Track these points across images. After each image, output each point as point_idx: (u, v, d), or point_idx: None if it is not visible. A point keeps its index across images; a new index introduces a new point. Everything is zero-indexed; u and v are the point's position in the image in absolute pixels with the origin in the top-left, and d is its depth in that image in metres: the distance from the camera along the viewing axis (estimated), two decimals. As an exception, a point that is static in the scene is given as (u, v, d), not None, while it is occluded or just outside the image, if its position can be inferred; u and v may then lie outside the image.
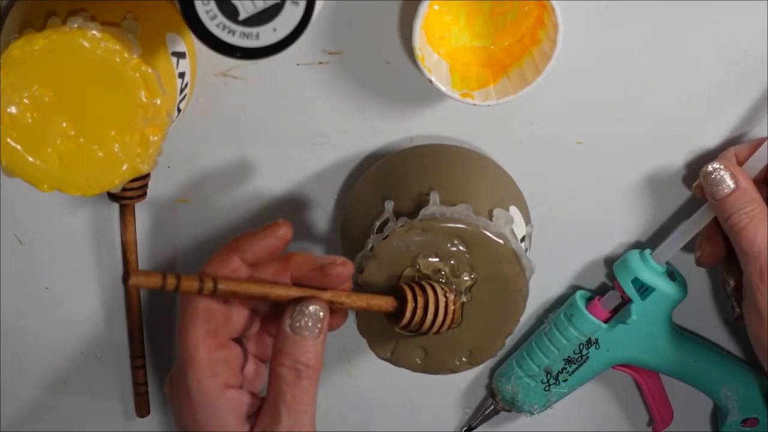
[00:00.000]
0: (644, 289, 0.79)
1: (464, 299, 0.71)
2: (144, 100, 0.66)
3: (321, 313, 0.66)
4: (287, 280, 0.67)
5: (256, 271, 0.67)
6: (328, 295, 0.67)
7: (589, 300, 0.82)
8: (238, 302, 0.68)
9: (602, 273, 0.84)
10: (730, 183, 0.75)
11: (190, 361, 0.66)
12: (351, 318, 0.73)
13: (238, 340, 0.69)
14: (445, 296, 0.70)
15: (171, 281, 0.64)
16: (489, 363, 0.86)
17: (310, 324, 0.66)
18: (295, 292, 0.66)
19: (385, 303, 0.69)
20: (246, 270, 0.67)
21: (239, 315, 0.68)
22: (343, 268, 0.67)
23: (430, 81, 0.72)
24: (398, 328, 0.70)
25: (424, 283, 0.70)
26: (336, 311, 0.68)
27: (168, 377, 0.69)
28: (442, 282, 0.70)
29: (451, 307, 0.70)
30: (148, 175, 0.77)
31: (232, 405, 0.67)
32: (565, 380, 0.83)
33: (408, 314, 0.69)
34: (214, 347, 0.67)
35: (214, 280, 0.65)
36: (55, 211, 0.81)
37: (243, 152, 0.79)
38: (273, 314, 0.69)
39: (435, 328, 0.70)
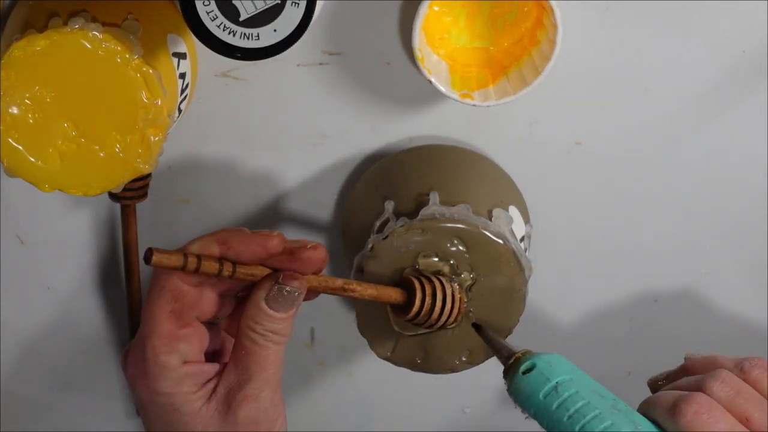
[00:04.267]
0: None
1: (464, 299, 0.71)
2: (145, 100, 0.66)
3: (297, 293, 0.67)
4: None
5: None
6: (340, 282, 0.68)
7: None
8: (209, 287, 0.68)
9: (602, 273, 0.84)
10: None
11: (150, 336, 0.68)
12: (351, 318, 0.73)
13: (210, 322, 0.70)
14: (451, 285, 0.70)
15: (192, 260, 0.65)
16: (489, 362, 0.86)
17: (286, 302, 0.67)
18: (325, 282, 0.68)
19: (395, 293, 0.70)
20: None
21: (208, 300, 0.69)
22: (314, 252, 0.67)
23: (430, 81, 0.72)
24: (406, 320, 0.70)
25: (427, 274, 0.70)
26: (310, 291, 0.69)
27: (124, 350, 0.70)
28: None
29: (458, 296, 0.70)
30: (149, 176, 0.77)
31: (191, 374, 0.68)
32: None
33: (417, 303, 0.69)
34: (177, 326, 0.68)
35: (233, 263, 0.66)
36: (56, 212, 0.81)
37: (243, 152, 0.79)
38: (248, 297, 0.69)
39: (444, 318, 0.70)
